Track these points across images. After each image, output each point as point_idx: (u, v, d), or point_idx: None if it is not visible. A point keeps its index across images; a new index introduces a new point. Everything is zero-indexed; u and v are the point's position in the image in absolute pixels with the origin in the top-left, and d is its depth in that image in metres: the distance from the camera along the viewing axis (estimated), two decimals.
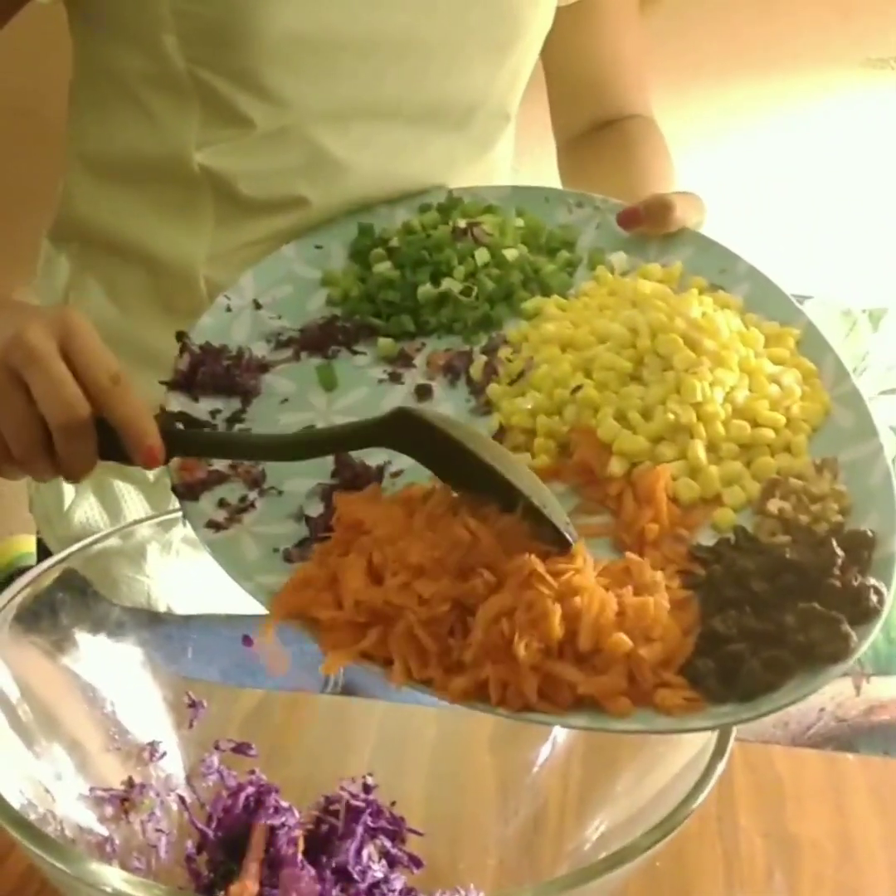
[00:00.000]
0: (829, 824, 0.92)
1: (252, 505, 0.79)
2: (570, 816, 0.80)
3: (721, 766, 0.67)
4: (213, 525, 0.77)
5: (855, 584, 0.65)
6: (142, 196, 0.98)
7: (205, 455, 0.80)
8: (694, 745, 0.70)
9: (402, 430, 0.73)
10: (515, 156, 1.10)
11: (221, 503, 0.79)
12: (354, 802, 0.84)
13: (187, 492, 0.79)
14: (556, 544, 0.68)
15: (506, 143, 1.06)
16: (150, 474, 1.04)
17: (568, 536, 0.68)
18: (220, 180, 0.95)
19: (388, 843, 0.83)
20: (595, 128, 1.12)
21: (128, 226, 0.99)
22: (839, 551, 0.67)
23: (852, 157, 1.80)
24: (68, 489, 1.07)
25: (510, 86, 1.01)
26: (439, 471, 0.73)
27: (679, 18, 1.66)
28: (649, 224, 0.89)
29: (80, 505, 1.07)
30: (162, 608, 1.00)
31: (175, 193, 0.97)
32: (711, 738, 0.69)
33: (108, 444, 0.75)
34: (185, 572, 1.00)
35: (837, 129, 1.80)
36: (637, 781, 0.75)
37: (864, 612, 0.65)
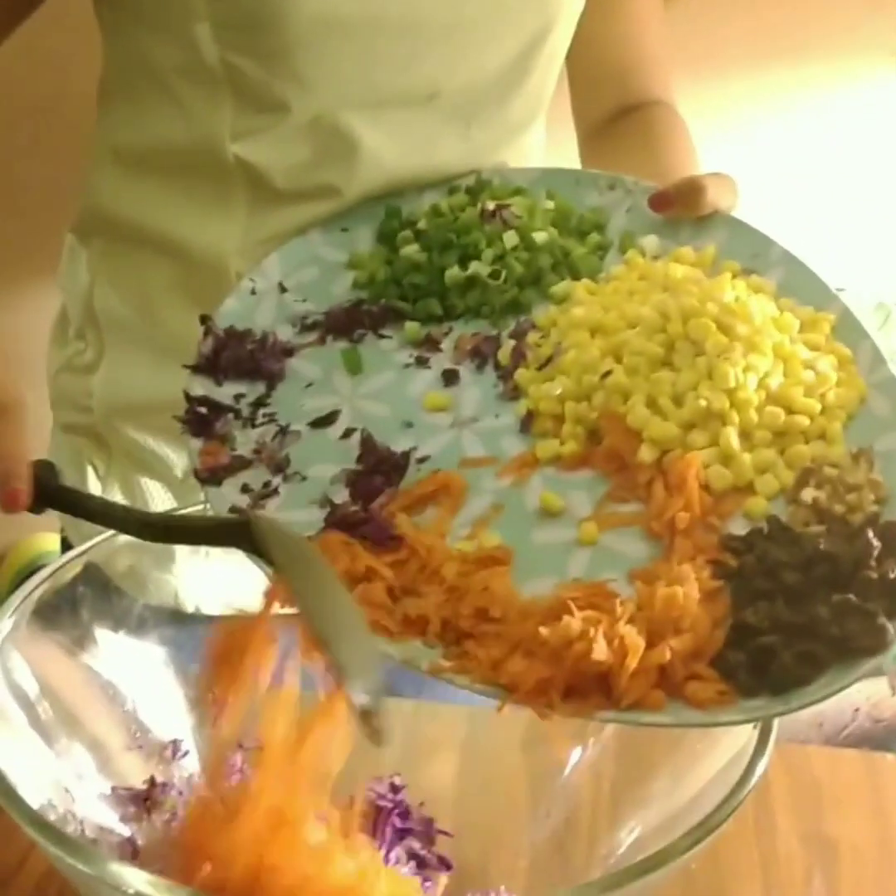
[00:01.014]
0: (869, 826, 0.90)
1: (276, 491, 0.77)
2: (603, 818, 0.78)
3: (762, 765, 0.65)
4: (236, 511, 0.76)
5: (892, 576, 0.64)
6: (174, 188, 0.97)
7: (68, 512, 0.75)
8: (733, 743, 0.68)
9: (245, 537, 0.67)
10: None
11: (244, 489, 0.78)
12: (382, 803, 0.82)
13: (210, 477, 0.78)
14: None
15: (539, 127, 1.04)
16: (178, 471, 1.03)
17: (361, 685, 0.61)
18: (253, 171, 0.93)
19: (416, 845, 0.82)
20: (617, 116, 1.10)
21: (158, 218, 0.98)
22: (875, 542, 0.66)
23: (884, 147, 1.78)
24: (94, 487, 1.06)
25: (547, 69, 0.99)
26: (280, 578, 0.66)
27: (707, 7, 1.64)
28: (681, 207, 0.88)
29: None
30: (190, 609, 0.99)
31: (207, 185, 0.95)
32: (752, 736, 0.67)
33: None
34: (214, 573, 0.99)
35: (869, 120, 1.78)
36: (673, 783, 0.73)
37: None
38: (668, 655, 0.63)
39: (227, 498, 0.77)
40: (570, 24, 0.99)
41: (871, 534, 0.66)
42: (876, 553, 0.65)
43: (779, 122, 1.77)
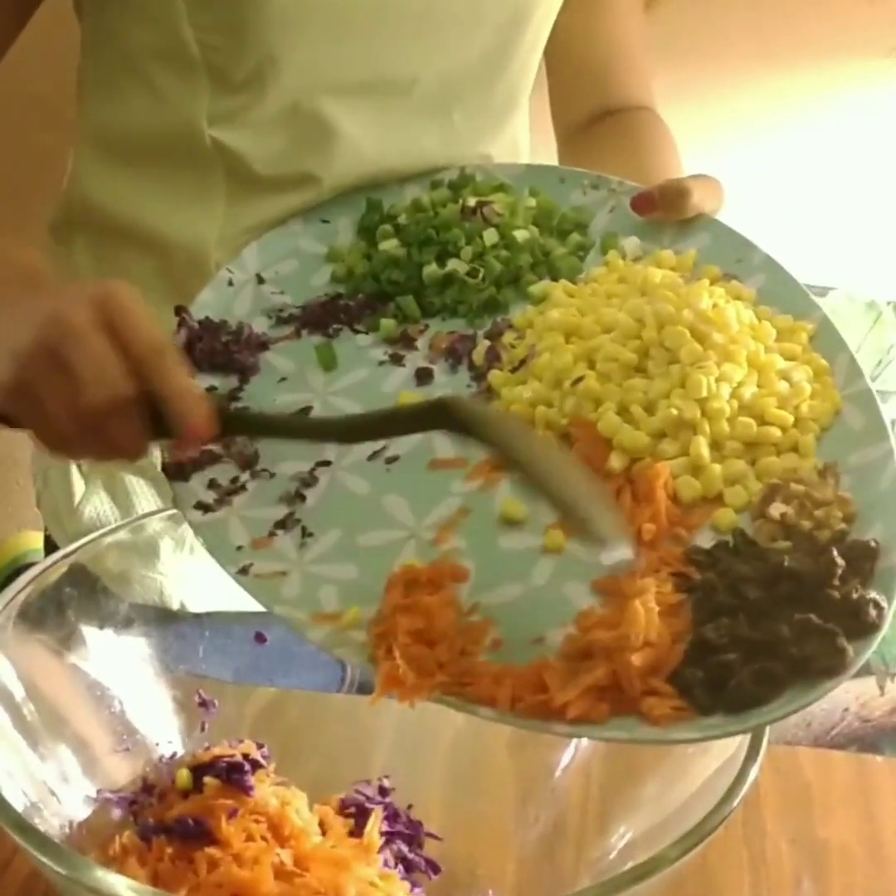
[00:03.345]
0: (858, 829, 0.90)
1: (243, 487, 0.77)
2: (592, 822, 0.78)
3: (754, 772, 0.65)
4: (202, 507, 0.75)
5: (854, 596, 0.63)
6: (153, 176, 0.96)
7: (254, 435, 0.77)
8: (724, 749, 0.67)
9: (448, 420, 0.71)
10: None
11: (212, 484, 0.77)
12: (370, 805, 0.82)
13: (177, 472, 0.77)
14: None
15: (522, 117, 1.03)
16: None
17: (619, 548, 0.65)
18: (232, 156, 0.92)
19: (405, 848, 0.81)
20: (597, 118, 1.09)
21: (138, 208, 0.97)
22: (840, 561, 0.65)
23: (878, 146, 1.77)
24: (78, 484, 1.05)
25: (528, 55, 0.98)
26: (497, 454, 0.71)
27: (701, 8, 1.63)
28: (664, 210, 0.87)
29: (91, 500, 1.04)
30: (175, 605, 0.98)
31: (186, 172, 0.94)
32: (743, 742, 0.66)
33: (161, 421, 0.71)
34: (199, 569, 0.98)
35: (860, 118, 1.77)
36: (663, 788, 0.72)
37: (862, 627, 0.62)
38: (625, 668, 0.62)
39: (193, 493, 0.76)
40: (550, 10, 0.98)
41: (836, 552, 0.65)
42: (840, 572, 0.64)
43: (771, 120, 1.76)
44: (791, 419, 0.74)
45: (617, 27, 1.07)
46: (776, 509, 0.70)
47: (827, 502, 0.69)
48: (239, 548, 0.73)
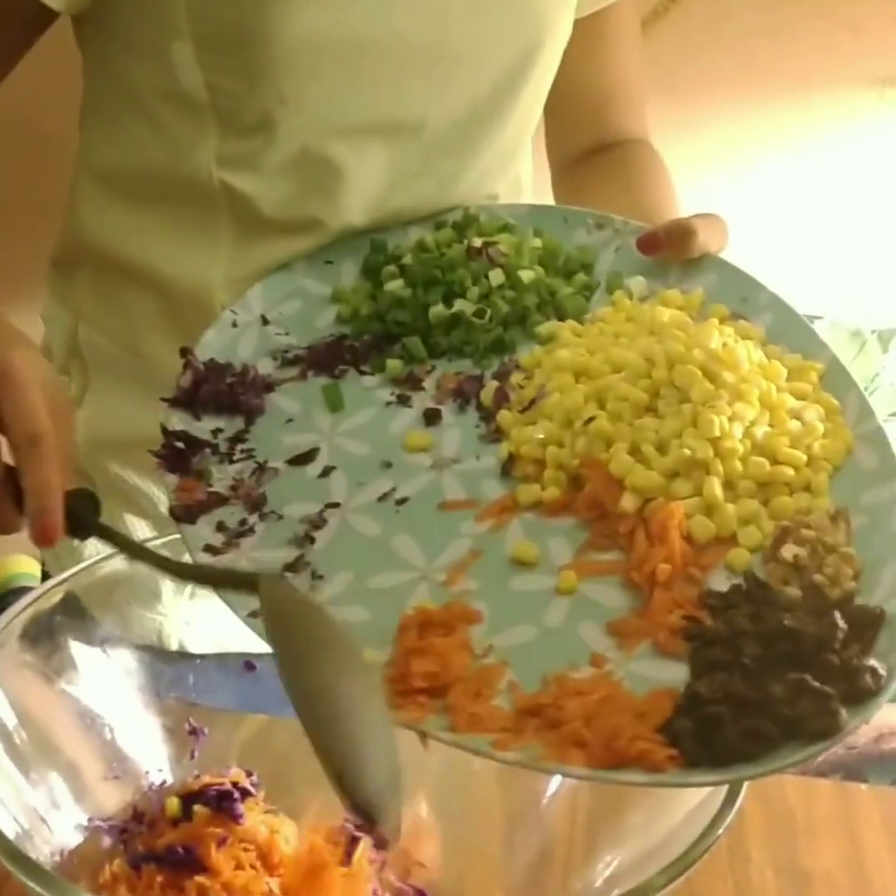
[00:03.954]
0: (843, 857, 0.89)
1: (251, 529, 0.76)
2: (579, 851, 0.77)
3: (739, 800, 0.65)
4: (210, 549, 0.75)
5: (854, 663, 0.62)
6: (157, 216, 0.96)
7: (101, 539, 0.75)
8: None
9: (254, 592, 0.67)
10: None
11: (220, 527, 0.76)
12: (358, 833, 0.81)
13: (185, 514, 0.77)
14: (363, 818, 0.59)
15: (527, 155, 1.03)
16: (163, 507, 1.01)
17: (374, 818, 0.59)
18: (239, 198, 0.92)
19: (393, 877, 0.80)
20: (592, 151, 1.09)
21: (142, 248, 0.96)
22: (842, 625, 0.64)
23: (861, 176, 1.78)
24: None
25: (534, 96, 0.98)
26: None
27: (688, 41, 1.64)
28: (670, 250, 0.87)
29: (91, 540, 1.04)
30: (173, 646, 0.97)
31: (192, 212, 0.94)
32: None
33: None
34: (200, 613, 0.97)
35: (846, 148, 1.79)
36: (649, 817, 0.72)
37: (857, 692, 0.61)
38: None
39: (201, 536, 0.76)
40: (557, 47, 0.97)
41: (838, 615, 0.64)
42: (841, 636, 0.63)
43: (757, 151, 1.77)
44: (804, 458, 0.73)
45: (617, 61, 1.07)
46: (788, 551, 0.69)
47: (838, 547, 0.69)
48: None
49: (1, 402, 0.69)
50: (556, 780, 0.79)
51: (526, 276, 0.87)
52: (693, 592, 0.68)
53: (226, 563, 0.74)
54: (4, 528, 0.72)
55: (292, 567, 0.74)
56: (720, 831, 0.64)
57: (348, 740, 0.59)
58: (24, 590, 0.80)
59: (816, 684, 0.61)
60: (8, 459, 0.70)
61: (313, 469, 0.79)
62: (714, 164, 1.74)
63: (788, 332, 0.82)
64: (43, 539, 0.68)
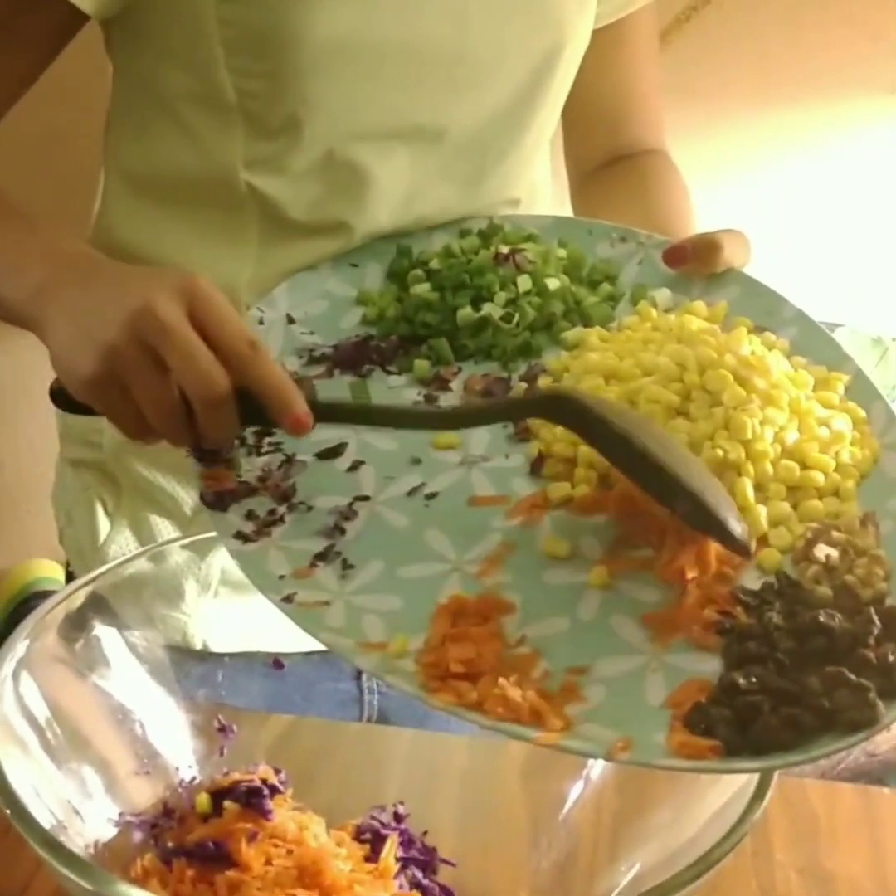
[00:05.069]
0: (866, 860, 0.90)
1: (281, 519, 0.76)
2: (604, 851, 0.77)
3: (764, 801, 0.65)
4: (241, 536, 0.75)
5: (889, 659, 0.62)
6: (185, 219, 0.96)
7: (349, 423, 0.79)
8: (735, 779, 0.68)
9: (559, 410, 0.73)
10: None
11: (249, 515, 0.76)
12: (386, 831, 0.82)
13: (216, 502, 0.77)
14: (729, 543, 0.68)
15: (543, 161, 1.05)
16: (188, 508, 1.02)
17: (739, 538, 0.68)
18: (266, 201, 0.93)
19: (419, 874, 0.81)
20: (610, 162, 1.10)
21: (170, 250, 0.96)
22: (877, 622, 0.64)
23: (882, 181, 1.78)
24: (103, 523, 1.04)
25: (555, 102, 0.99)
26: (604, 451, 0.72)
27: (708, 47, 1.65)
28: (696, 263, 0.88)
29: (116, 539, 1.03)
30: (197, 645, 0.97)
31: (219, 215, 0.95)
32: (751, 777, 0.67)
33: (250, 410, 0.73)
34: (224, 612, 0.97)
35: (865, 154, 1.79)
36: (674, 818, 0.73)
37: (893, 689, 0.62)
38: None
39: (232, 523, 0.76)
40: (576, 52, 0.98)
41: (873, 613, 0.65)
42: (876, 633, 0.64)
43: (774, 156, 1.77)
44: (832, 464, 0.74)
45: (634, 70, 1.08)
46: (821, 551, 0.70)
47: (868, 549, 0.69)
48: (281, 577, 0.72)
49: (208, 318, 0.72)
50: (581, 781, 0.79)
51: (552, 283, 0.88)
52: (725, 590, 0.69)
53: (255, 551, 0.74)
54: (225, 442, 0.77)
55: (323, 556, 0.74)
56: (744, 830, 0.64)
57: (719, 492, 0.70)
58: (47, 593, 0.81)
59: (854, 677, 0.61)
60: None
61: (342, 463, 0.80)
62: (733, 168, 1.74)
63: (813, 345, 0.83)
64: (298, 428, 0.73)
